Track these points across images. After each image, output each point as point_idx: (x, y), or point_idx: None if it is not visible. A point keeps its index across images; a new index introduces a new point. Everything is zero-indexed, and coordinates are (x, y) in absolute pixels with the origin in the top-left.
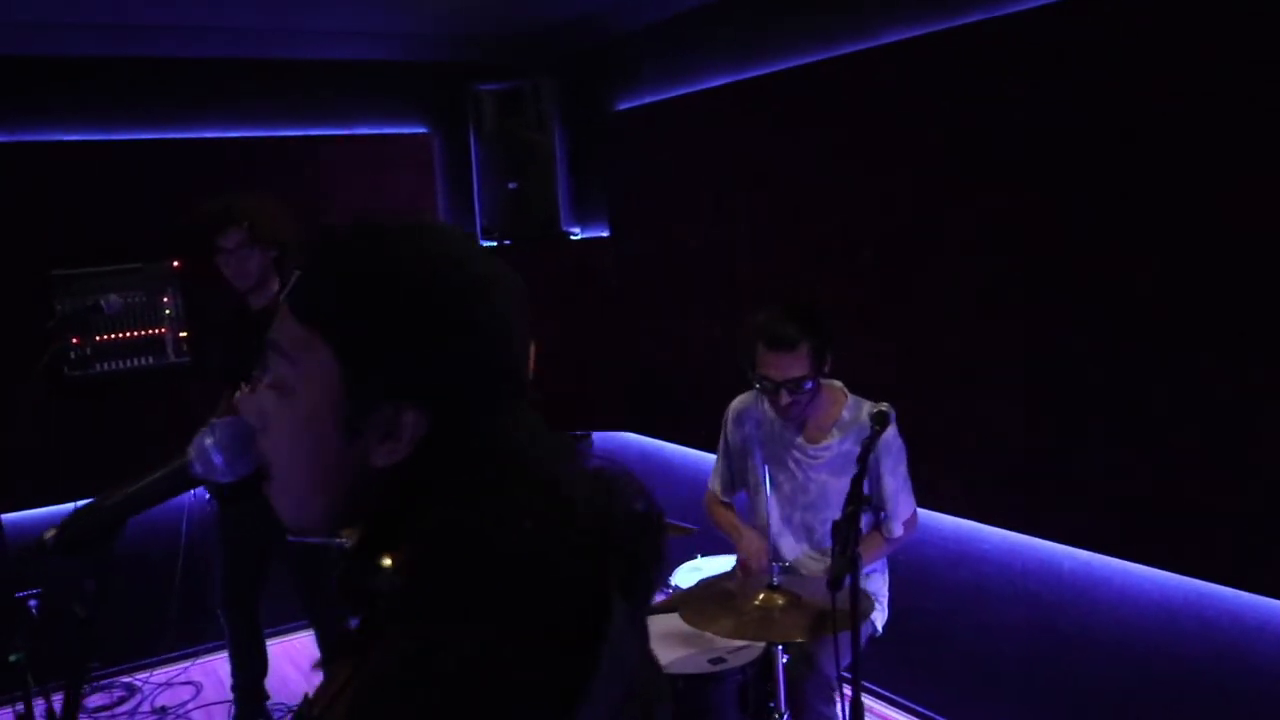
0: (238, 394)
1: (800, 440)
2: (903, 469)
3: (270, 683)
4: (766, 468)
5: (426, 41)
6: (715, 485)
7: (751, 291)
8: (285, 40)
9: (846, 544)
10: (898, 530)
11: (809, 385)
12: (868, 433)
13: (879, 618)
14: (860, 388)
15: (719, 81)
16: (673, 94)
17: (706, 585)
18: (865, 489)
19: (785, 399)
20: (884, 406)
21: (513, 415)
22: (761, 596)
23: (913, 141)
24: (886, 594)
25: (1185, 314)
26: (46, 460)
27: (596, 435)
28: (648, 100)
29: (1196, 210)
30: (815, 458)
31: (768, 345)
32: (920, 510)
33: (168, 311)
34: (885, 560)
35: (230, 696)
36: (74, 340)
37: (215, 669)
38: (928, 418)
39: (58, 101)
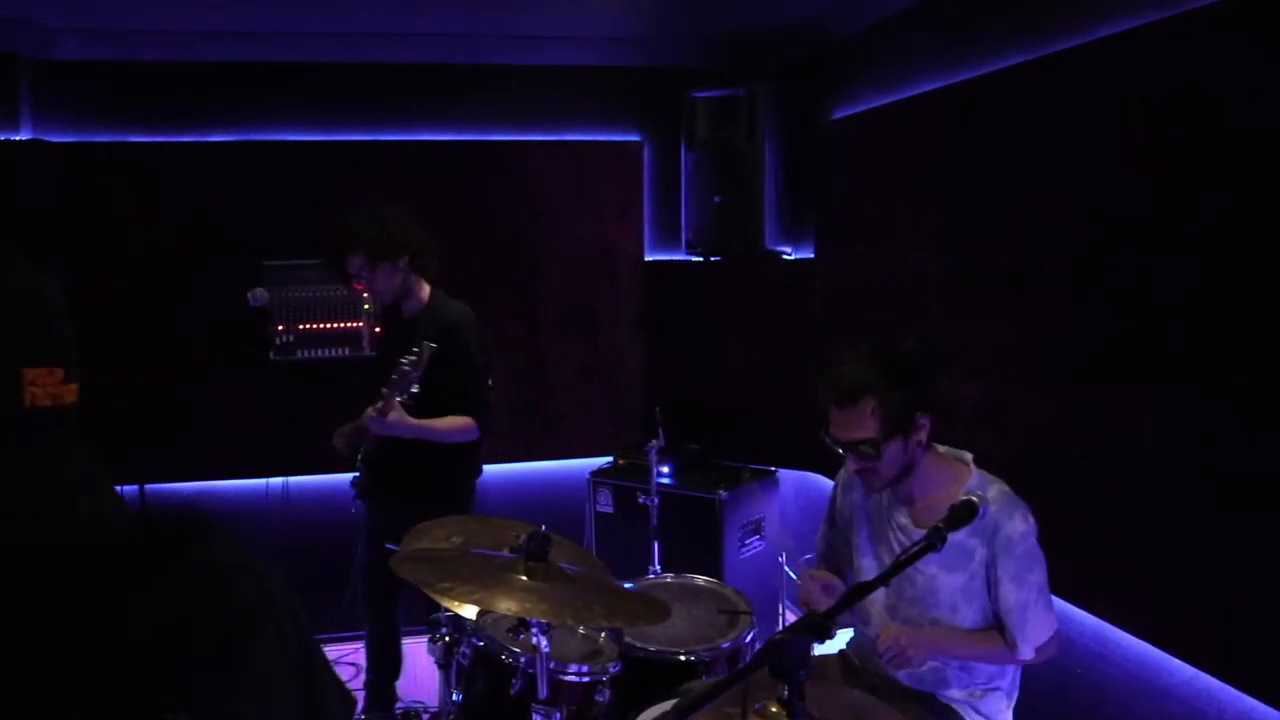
0: (368, 410)
1: (905, 521)
2: (1035, 579)
3: (403, 684)
4: (869, 549)
5: (641, 47)
6: (818, 551)
7: (944, 331)
8: (500, 45)
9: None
10: (1026, 653)
11: (886, 451)
12: (988, 523)
13: None
14: (1025, 464)
15: (936, 85)
16: (889, 100)
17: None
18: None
19: (854, 464)
20: (978, 496)
21: None
22: (775, 709)
23: (1127, 156)
24: (1010, 717)
25: None
26: (247, 437)
27: (787, 473)
28: (863, 108)
29: None
30: (919, 543)
31: (831, 399)
32: (1098, 621)
33: (366, 306)
34: (1016, 677)
35: (362, 690)
36: (280, 328)
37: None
38: (1114, 511)
39: (284, 103)
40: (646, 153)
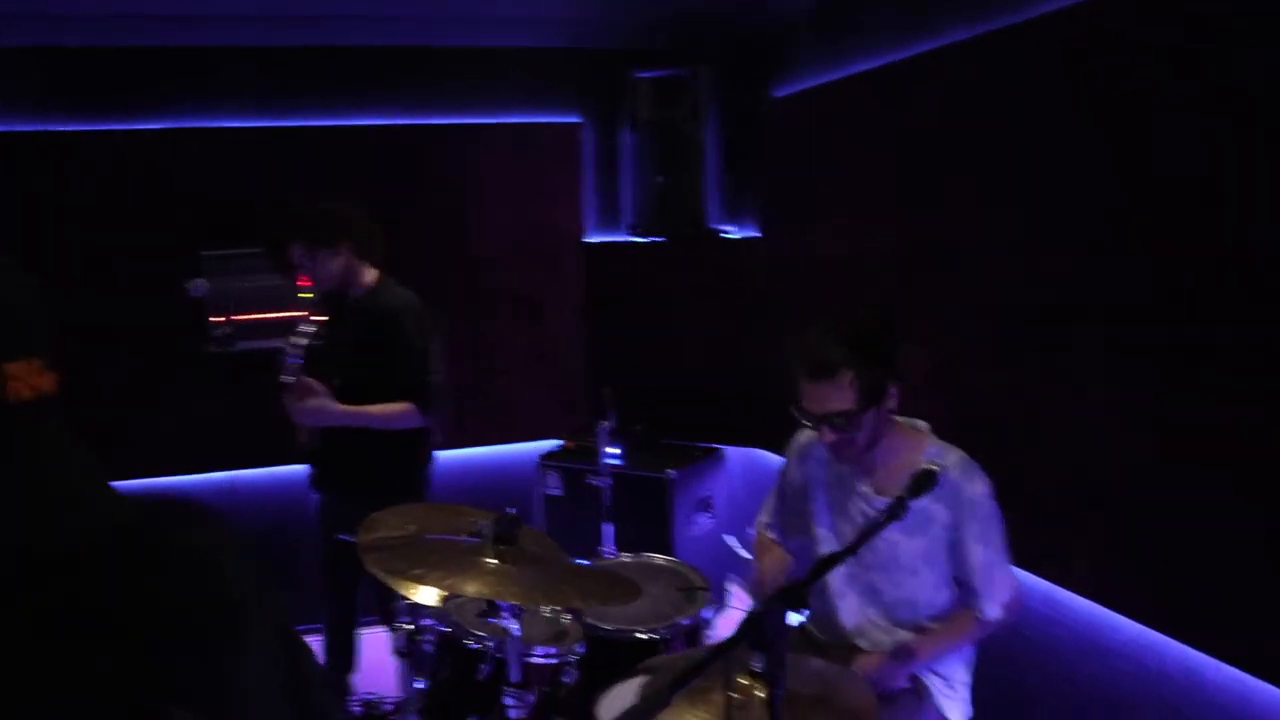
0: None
1: (866, 489)
2: (997, 538)
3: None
4: (827, 517)
5: (582, 27)
6: (763, 520)
7: (896, 305)
8: (438, 27)
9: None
10: (993, 612)
11: (862, 422)
12: (950, 488)
13: (955, 710)
14: (980, 431)
15: (880, 62)
16: (831, 78)
17: (682, 663)
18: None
19: (829, 436)
20: (936, 465)
21: None
22: (744, 681)
23: (1073, 132)
24: (968, 679)
25: None
26: (187, 433)
27: (732, 450)
28: (805, 86)
29: None
30: (885, 513)
31: (804, 373)
32: (1050, 586)
33: (307, 295)
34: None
35: None
36: (218, 319)
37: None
38: (1059, 475)
39: (218, 89)
40: (588, 134)
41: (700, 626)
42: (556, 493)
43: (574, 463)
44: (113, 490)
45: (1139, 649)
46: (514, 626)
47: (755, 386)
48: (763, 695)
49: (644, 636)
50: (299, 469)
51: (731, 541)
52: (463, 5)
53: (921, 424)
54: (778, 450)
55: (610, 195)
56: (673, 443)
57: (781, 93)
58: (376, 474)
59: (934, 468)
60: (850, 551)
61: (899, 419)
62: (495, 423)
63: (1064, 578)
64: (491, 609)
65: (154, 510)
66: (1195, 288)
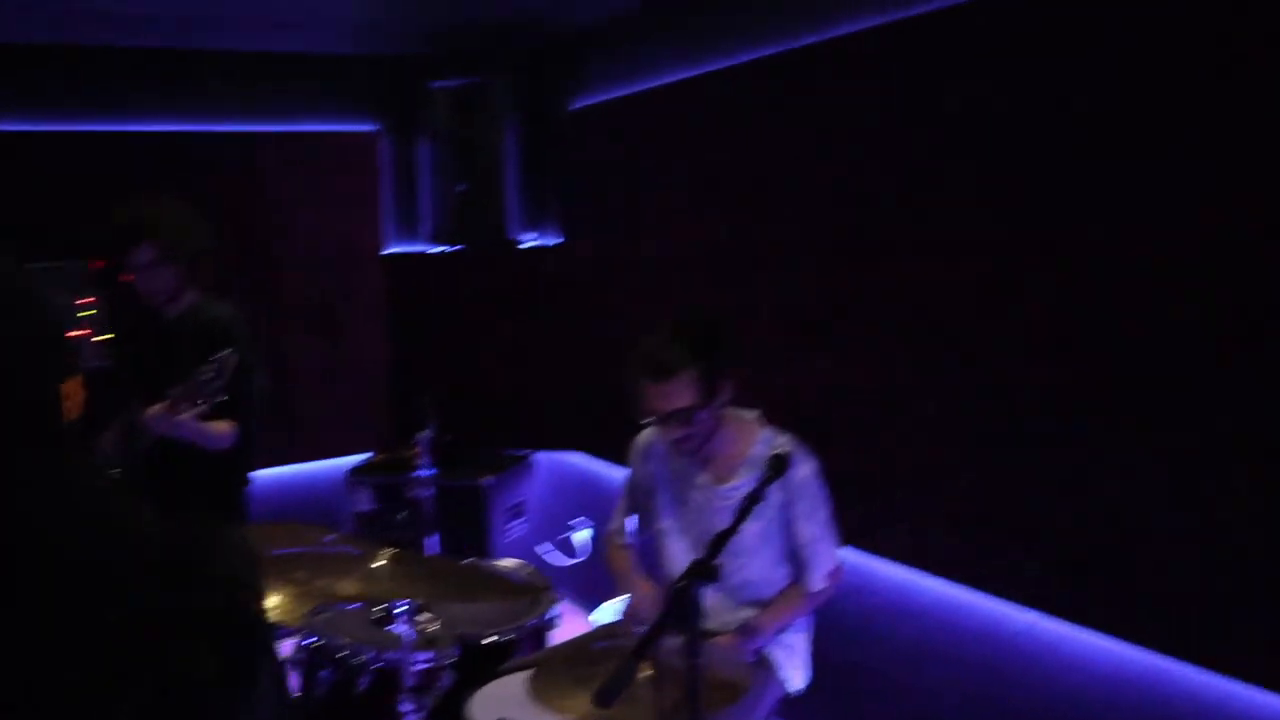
0: (148, 409)
1: (704, 480)
2: (823, 514)
3: None
4: (671, 511)
5: (376, 34)
6: (615, 524)
7: (706, 304)
8: (225, 29)
9: (671, 623)
10: (818, 583)
11: (701, 417)
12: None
13: (795, 676)
14: (794, 416)
15: (676, 77)
16: (628, 91)
17: (573, 647)
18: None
19: (675, 432)
20: (784, 449)
21: (21, 466)
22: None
23: (875, 142)
24: (807, 649)
25: (1159, 352)
26: None
27: (540, 455)
28: (602, 98)
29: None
30: (725, 499)
31: (648, 376)
32: (862, 555)
33: (91, 312)
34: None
35: None
36: None
37: None
38: (868, 452)
39: None
40: (384, 144)
41: (544, 628)
42: (369, 507)
43: (385, 475)
44: (146, 508)
45: (949, 608)
46: (408, 631)
47: (559, 392)
48: (649, 674)
49: (494, 639)
50: None
51: (543, 550)
52: (251, 5)
53: (749, 413)
54: (591, 452)
55: (409, 205)
56: (482, 451)
57: (578, 105)
58: (201, 496)
59: (783, 452)
60: (733, 530)
61: (728, 410)
62: (297, 440)
63: (876, 545)
64: (386, 616)
65: (188, 532)
66: (986, 264)
